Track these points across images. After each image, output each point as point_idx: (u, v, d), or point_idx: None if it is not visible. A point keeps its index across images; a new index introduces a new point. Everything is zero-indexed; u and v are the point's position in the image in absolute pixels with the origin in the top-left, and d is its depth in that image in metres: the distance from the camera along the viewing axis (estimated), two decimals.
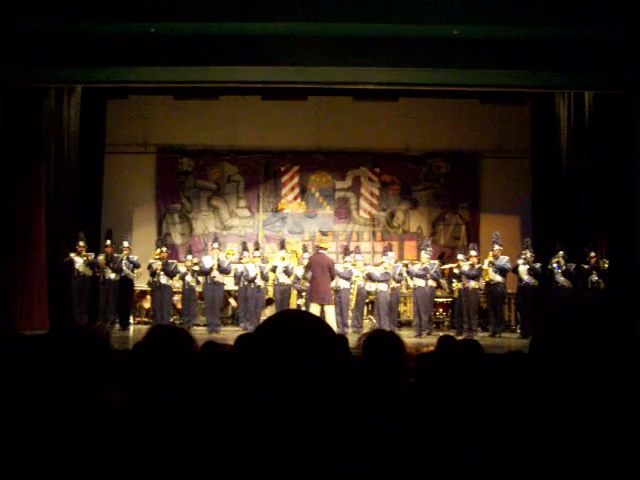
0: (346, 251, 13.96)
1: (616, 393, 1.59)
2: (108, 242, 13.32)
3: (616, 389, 1.60)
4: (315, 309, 11.91)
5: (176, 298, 13.91)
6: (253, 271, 13.14)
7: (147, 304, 14.26)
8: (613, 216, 12.52)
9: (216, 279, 13.12)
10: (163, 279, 13.07)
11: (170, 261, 13.42)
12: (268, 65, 10.96)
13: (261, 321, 1.68)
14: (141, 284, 14.02)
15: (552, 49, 10.61)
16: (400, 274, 13.17)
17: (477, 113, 15.45)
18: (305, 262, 13.12)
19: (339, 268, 12.91)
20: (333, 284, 12.61)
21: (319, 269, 12.12)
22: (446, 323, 14.21)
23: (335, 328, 11.82)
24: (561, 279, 12.64)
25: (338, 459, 1.44)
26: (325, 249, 12.73)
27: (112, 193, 15.15)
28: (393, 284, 13.06)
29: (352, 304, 13.02)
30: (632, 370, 1.66)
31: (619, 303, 11.26)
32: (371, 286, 13.21)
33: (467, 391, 2.74)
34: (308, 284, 12.56)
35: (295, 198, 16.05)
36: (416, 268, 13.12)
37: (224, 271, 13.16)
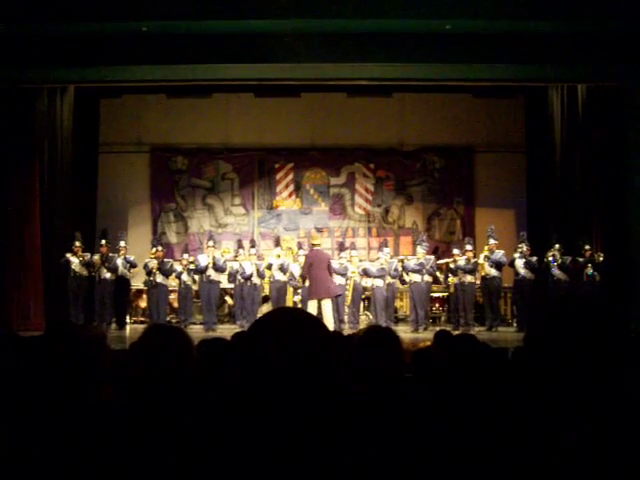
0: (341, 247, 13.96)
1: (613, 387, 1.60)
2: (103, 242, 13.29)
3: (613, 383, 1.60)
4: (312, 305, 11.89)
5: (172, 297, 13.91)
6: (249, 269, 13.14)
7: (143, 303, 14.25)
8: (608, 209, 12.56)
9: (212, 277, 13.13)
10: (159, 278, 13.06)
11: (166, 260, 13.40)
12: (261, 62, 10.96)
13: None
14: (137, 283, 14.02)
15: (544, 42, 10.63)
16: (396, 270, 13.17)
17: (470, 107, 15.45)
18: (301, 259, 13.11)
19: (335, 264, 12.91)
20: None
21: (318, 265, 12.06)
22: (442, 318, 14.22)
23: (332, 324, 11.82)
24: (557, 272, 12.66)
25: (336, 455, 1.45)
26: (319, 245, 12.69)
27: (106, 193, 15.12)
28: (389, 280, 13.06)
29: (348, 300, 13.02)
30: (629, 364, 1.66)
31: (615, 297, 11.30)
32: (367, 282, 13.21)
33: (464, 386, 2.74)
34: (307, 282, 12.48)
35: (290, 195, 16.04)
36: (412, 263, 13.13)
37: (219, 269, 13.15)
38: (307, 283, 12.52)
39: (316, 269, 11.99)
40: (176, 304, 13.80)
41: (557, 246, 12.66)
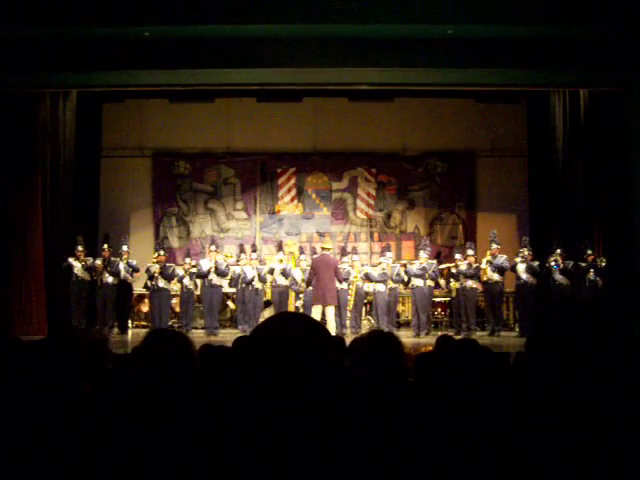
0: (343, 252, 13.95)
1: (615, 391, 1.60)
2: (105, 246, 13.31)
3: (614, 386, 1.60)
4: (317, 310, 11.83)
5: (174, 301, 13.91)
6: (251, 273, 13.14)
7: (145, 308, 14.25)
8: (610, 213, 12.54)
9: (213, 282, 13.14)
10: (161, 282, 13.08)
11: (168, 264, 13.42)
12: (263, 67, 10.96)
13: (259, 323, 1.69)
14: (139, 288, 14.03)
15: (546, 47, 10.62)
16: (398, 274, 13.17)
17: (473, 112, 15.46)
18: (303, 264, 13.12)
19: None
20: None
21: (324, 270, 11.97)
22: (444, 323, 14.21)
23: (334, 329, 11.79)
24: (559, 277, 12.65)
25: (337, 459, 1.45)
26: (329, 250, 12.65)
27: (109, 197, 15.14)
28: (391, 284, 13.05)
29: (350, 305, 13.01)
30: (630, 368, 1.66)
31: (617, 302, 11.28)
32: (369, 287, 13.21)
33: (466, 390, 2.74)
34: (311, 287, 12.37)
35: (292, 200, 16.05)
36: (414, 268, 13.12)
37: (221, 274, 13.17)
38: (310, 288, 12.46)
39: (322, 274, 11.89)
40: (178, 308, 13.81)
41: (559, 251, 12.66)
